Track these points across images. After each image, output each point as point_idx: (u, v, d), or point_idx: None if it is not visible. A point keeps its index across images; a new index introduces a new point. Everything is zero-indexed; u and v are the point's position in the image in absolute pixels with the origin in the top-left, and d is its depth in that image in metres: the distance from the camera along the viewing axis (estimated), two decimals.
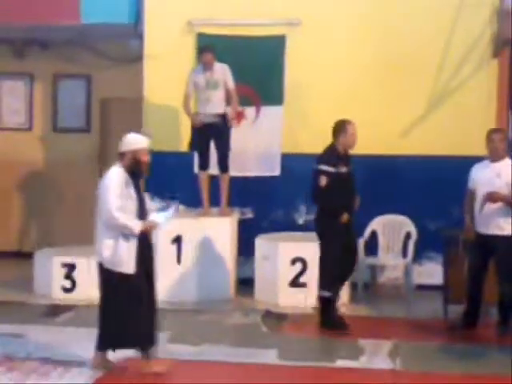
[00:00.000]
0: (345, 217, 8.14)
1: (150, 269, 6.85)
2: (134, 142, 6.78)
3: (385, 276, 10.08)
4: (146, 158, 6.78)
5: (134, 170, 6.72)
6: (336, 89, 10.20)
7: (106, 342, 6.76)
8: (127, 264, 6.60)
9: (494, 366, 7.07)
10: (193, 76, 9.70)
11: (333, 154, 8.20)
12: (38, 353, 7.29)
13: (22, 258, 11.16)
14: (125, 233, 6.57)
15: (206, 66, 9.60)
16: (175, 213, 7.12)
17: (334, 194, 8.09)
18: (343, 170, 8.19)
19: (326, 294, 8.25)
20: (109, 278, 6.65)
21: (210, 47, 9.68)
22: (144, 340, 6.76)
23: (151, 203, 7.08)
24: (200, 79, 9.62)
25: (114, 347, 6.80)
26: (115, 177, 6.61)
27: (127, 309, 6.61)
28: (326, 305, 8.29)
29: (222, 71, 9.63)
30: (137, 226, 6.60)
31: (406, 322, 8.63)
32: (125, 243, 6.59)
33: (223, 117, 9.63)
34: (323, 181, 8.12)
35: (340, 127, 8.23)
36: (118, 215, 6.51)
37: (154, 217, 6.83)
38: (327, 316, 8.27)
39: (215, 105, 9.63)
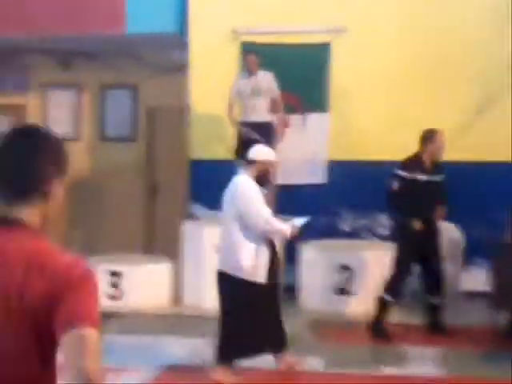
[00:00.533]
0: (417, 224, 8.10)
1: (277, 275, 6.98)
2: (266, 153, 6.97)
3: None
4: (273, 170, 7.06)
5: (261, 180, 6.91)
6: (381, 94, 10.17)
7: (233, 353, 6.81)
8: (261, 274, 6.72)
9: None
10: (236, 83, 9.74)
11: (412, 160, 8.23)
12: None
13: None
14: (269, 239, 6.77)
15: (250, 71, 9.63)
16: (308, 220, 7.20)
17: (405, 199, 8.13)
18: (420, 177, 8.17)
19: (388, 298, 8.23)
20: (241, 287, 6.71)
21: (252, 51, 9.72)
22: (273, 344, 6.92)
23: None
24: (244, 86, 9.65)
25: (243, 357, 6.86)
26: (252, 186, 6.80)
27: (259, 317, 6.75)
28: (383, 308, 8.27)
29: (266, 79, 9.65)
30: (287, 229, 6.82)
31: (454, 328, 8.55)
32: (262, 253, 6.72)
33: (269, 125, 9.65)
34: (394, 185, 8.19)
35: (427, 135, 8.22)
36: (273, 221, 6.71)
37: (295, 221, 7.00)
38: (379, 320, 8.26)
39: (260, 112, 9.66)
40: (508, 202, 9.31)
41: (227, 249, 6.80)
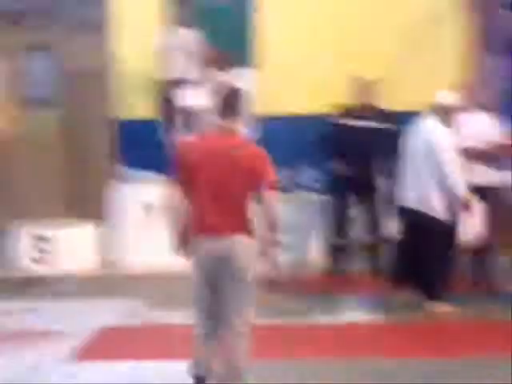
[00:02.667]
0: (337, 166, 8.49)
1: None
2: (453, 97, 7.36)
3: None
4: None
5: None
6: (309, 46, 10.06)
7: (440, 288, 7.25)
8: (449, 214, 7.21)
9: None
10: (161, 40, 9.54)
11: (342, 108, 8.63)
12: (14, 325, 7.18)
13: None
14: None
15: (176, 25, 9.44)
16: None
17: (331, 144, 8.59)
18: (344, 122, 8.54)
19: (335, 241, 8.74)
20: (438, 227, 7.17)
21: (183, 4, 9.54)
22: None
23: None
24: (169, 43, 9.48)
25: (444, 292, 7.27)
26: (446, 132, 7.22)
27: (446, 253, 7.26)
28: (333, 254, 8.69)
29: (191, 35, 9.50)
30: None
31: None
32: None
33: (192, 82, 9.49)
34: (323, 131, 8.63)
35: (354, 84, 8.59)
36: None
37: None
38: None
39: (185, 70, 9.48)
40: None
41: (420, 189, 7.22)
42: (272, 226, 4.91)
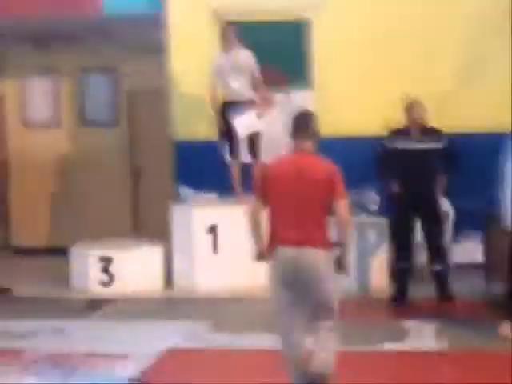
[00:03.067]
0: (394, 187, 8.49)
1: None
2: None
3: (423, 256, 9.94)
4: None
5: None
6: (363, 67, 10.08)
7: None
8: None
9: None
10: (216, 61, 9.62)
11: (395, 131, 8.64)
12: (81, 347, 7.27)
13: (56, 253, 11.13)
14: None
15: (229, 46, 9.52)
16: None
17: (387, 168, 8.63)
18: (402, 145, 8.48)
19: (399, 266, 8.68)
20: None
21: (231, 24, 9.62)
22: None
23: None
24: (224, 65, 9.54)
25: None
26: None
27: None
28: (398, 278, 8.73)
29: (245, 55, 9.56)
30: None
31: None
32: None
33: (251, 103, 9.56)
34: (377, 154, 8.69)
35: (407, 105, 8.56)
36: None
37: None
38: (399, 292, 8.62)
39: (242, 92, 9.55)
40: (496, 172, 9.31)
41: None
42: (344, 236, 5.44)
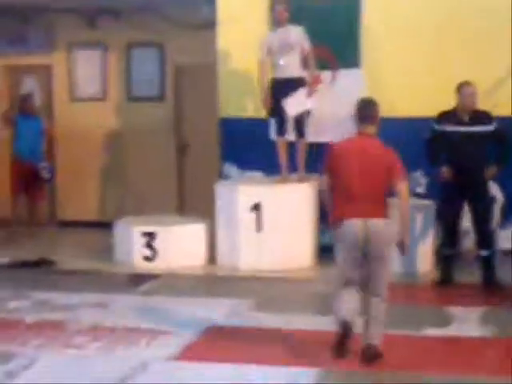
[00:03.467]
0: (446, 171, 8.37)
1: None
2: None
3: (470, 241, 9.80)
4: None
5: None
6: (414, 51, 9.89)
7: None
8: None
9: None
10: (266, 39, 9.54)
11: (445, 113, 8.52)
12: (123, 322, 7.28)
13: (100, 228, 11.20)
14: None
15: (279, 23, 9.43)
16: None
17: (437, 151, 8.55)
18: (451, 128, 8.36)
19: (445, 251, 8.61)
20: None
21: (283, 1, 9.51)
22: None
23: None
24: (273, 40, 9.45)
25: None
26: None
27: None
28: (444, 263, 8.64)
29: (296, 32, 9.45)
30: None
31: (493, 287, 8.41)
32: None
33: (300, 81, 9.48)
34: (427, 137, 8.60)
35: (457, 88, 8.42)
36: None
37: None
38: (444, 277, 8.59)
39: (291, 69, 9.47)
40: None
41: None
42: (406, 216, 6.15)
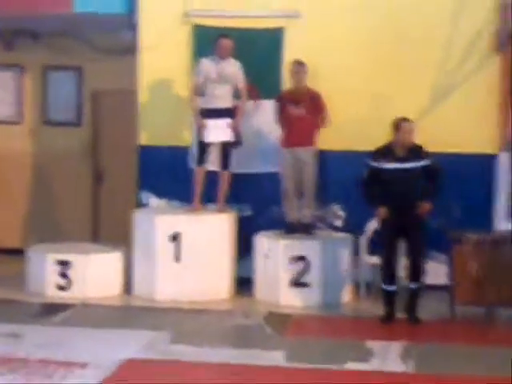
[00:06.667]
0: (382, 212, 8.34)
1: None
2: None
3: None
4: None
5: None
6: (335, 83, 9.91)
7: None
8: None
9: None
10: (203, 66, 9.48)
11: (380, 149, 8.46)
12: (37, 353, 7.03)
13: (11, 254, 10.87)
14: None
15: (222, 55, 9.43)
16: None
17: (373, 188, 8.39)
18: (387, 165, 8.33)
19: (384, 287, 8.52)
20: None
21: (228, 35, 9.52)
22: None
23: None
24: (211, 71, 9.42)
25: None
26: None
27: None
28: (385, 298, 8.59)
29: (235, 67, 9.50)
30: None
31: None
32: None
33: (230, 111, 9.49)
34: (363, 174, 8.44)
35: (395, 124, 8.42)
36: None
37: None
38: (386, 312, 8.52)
39: (224, 99, 9.45)
40: (463, 192, 9.35)
41: None
42: None
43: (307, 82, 9.58)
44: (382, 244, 8.60)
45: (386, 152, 8.42)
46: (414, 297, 8.47)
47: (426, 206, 8.33)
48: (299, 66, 9.51)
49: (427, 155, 8.44)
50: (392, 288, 8.47)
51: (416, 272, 8.46)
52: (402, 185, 8.27)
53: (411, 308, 8.46)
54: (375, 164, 8.41)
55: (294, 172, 9.44)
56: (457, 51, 9.86)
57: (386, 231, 8.44)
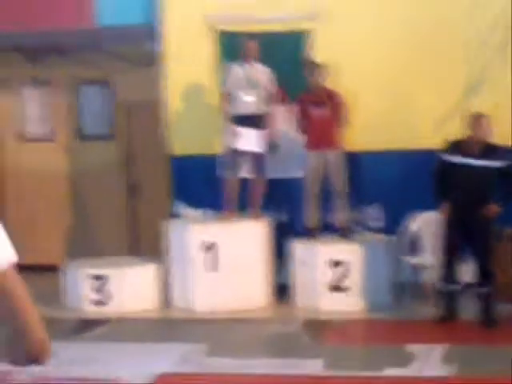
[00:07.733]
0: (443, 209, 8.08)
1: None
2: None
3: (430, 276, 9.58)
4: None
5: None
6: (364, 83, 9.73)
7: None
8: None
9: None
10: (232, 72, 9.37)
11: (455, 144, 8.14)
12: (72, 370, 6.95)
13: (50, 271, 10.83)
14: None
15: (247, 59, 9.28)
16: None
17: (442, 183, 8.15)
18: (459, 160, 8.02)
19: (441, 286, 8.32)
20: None
21: (254, 38, 9.39)
22: None
23: None
24: (240, 76, 9.29)
25: None
26: None
27: None
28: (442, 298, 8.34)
29: (264, 72, 9.36)
30: None
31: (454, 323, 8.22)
32: None
33: (262, 118, 9.33)
34: (435, 168, 8.19)
35: (471, 120, 8.11)
36: None
37: None
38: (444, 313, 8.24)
39: (255, 106, 9.31)
40: None
41: None
42: None
43: (327, 83, 9.39)
44: (443, 243, 8.22)
45: (460, 146, 8.06)
46: (486, 301, 8.09)
47: (493, 208, 7.93)
48: (317, 67, 9.34)
49: (505, 156, 8.06)
50: (454, 287, 8.18)
51: (486, 276, 8.07)
52: (471, 182, 7.93)
53: (486, 311, 8.10)
54: (447, 157, 8.08)
55: (318, 175, 9.23)
56: (477, 47, 9.56)
57: (449, 230, 8.10)
